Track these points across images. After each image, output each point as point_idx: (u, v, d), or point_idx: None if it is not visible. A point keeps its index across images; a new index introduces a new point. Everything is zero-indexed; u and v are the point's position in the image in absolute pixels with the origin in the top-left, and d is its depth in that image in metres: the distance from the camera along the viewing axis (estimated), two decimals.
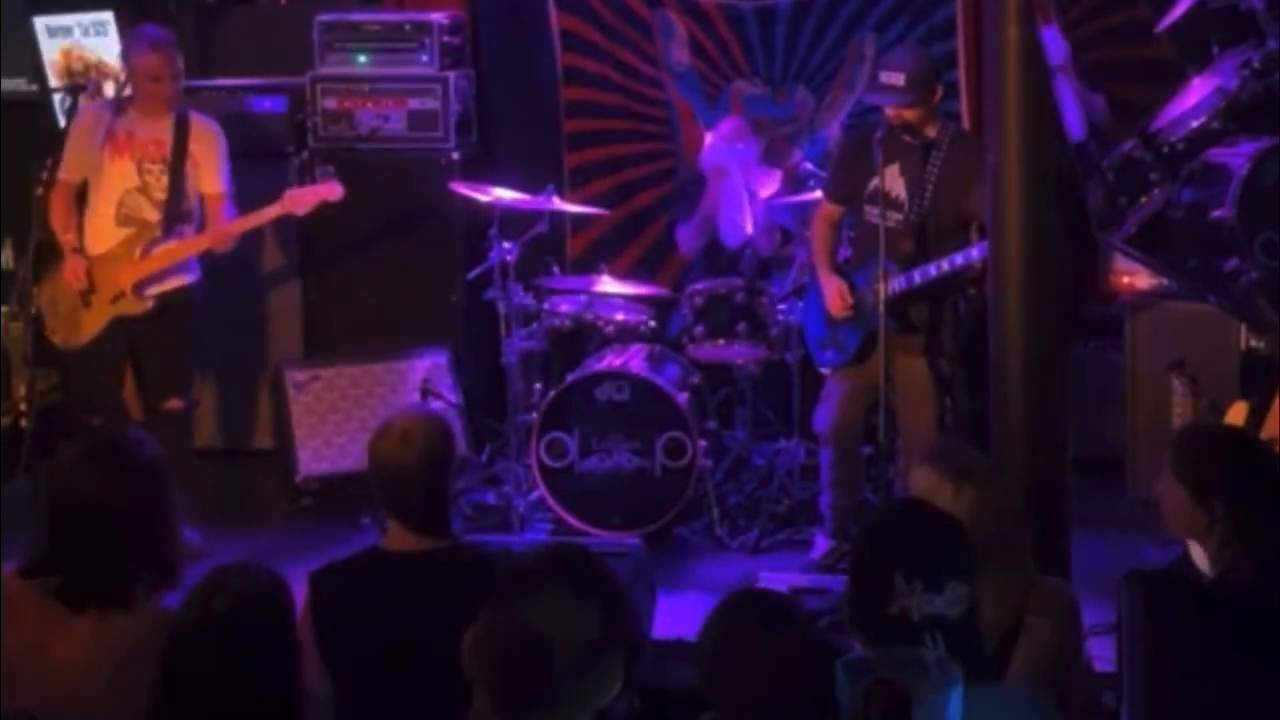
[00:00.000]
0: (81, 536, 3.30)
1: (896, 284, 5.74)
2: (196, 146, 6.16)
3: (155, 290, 6.14)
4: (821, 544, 6.12)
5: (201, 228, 6.22)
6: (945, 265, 5.73)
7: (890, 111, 5.83)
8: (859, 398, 5.95)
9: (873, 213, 5.85)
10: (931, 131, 5.85)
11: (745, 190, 7.15)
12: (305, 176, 6.35)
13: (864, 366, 5.91)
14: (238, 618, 2.87)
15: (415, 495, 3.58)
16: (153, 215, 6.13)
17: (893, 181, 5.85)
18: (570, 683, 2.31)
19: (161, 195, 6.12)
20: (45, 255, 6.27)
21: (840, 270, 6.05)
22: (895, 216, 5.84)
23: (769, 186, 7.14)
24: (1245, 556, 3.64)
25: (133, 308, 6.14)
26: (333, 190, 6.25)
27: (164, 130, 6.13)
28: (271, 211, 6.23)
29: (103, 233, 6.15)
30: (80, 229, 6.15)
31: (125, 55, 6.28)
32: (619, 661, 2.37)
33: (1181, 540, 4.04)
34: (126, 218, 6.13)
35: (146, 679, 2.91)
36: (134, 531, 3.32)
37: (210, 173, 6.19)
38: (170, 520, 3.44)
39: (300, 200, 6.23)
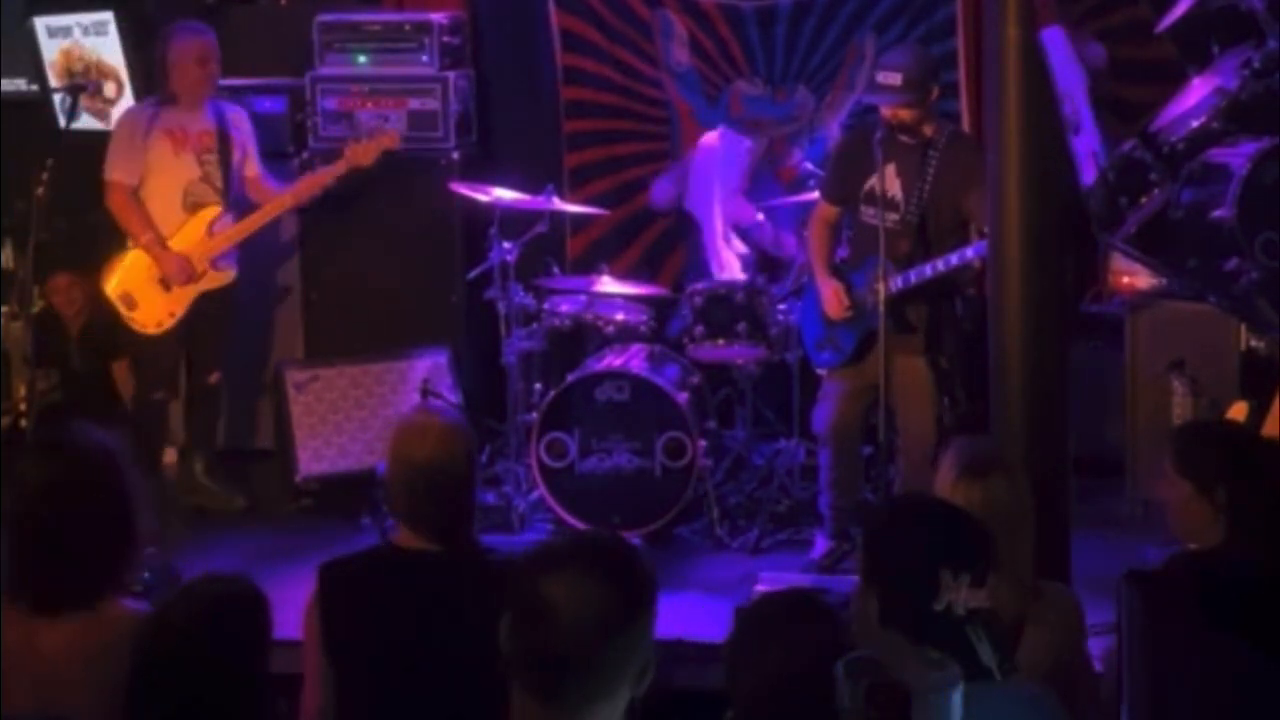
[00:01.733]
0: (31, 540, 3.15)
1: (893, 284, 5.74)
2: (237, 133, 6.59)
3: (228, 265, 6.59)
4: (821, 544, 6.12)
5: (243, 210, 6.63)
6: (941, 265, 5.73)
7: (886, 111, 5.82)
8: (857, 398, 5.95)
9: (869, 213, 5.85)
10: (928, 131, 5.85)
11: (721, 227, 7.12)
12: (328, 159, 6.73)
13: (861, 367, 5.91)
14: (209, 629, 2.86)
15: (453, 494, 3.49)
16: (214, 199, 6.52)
17: (889, 182, 5.84)
18: (583, 656, 2.28)
19: (220, 183, 6.50)
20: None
21: (837, 271, 6.05)
22: (892, 217, 5.84)
23: (744, 216, 7.12)
24: (1247, 546, 3.65)
25: (216, 281, 6.57)
26: (392, 138, 6.67)
27: (209, 121, 6.52)
28: (338, 169, 6.64)
29: (170, 221, 6.49)
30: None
31: (164, 52, 6.49)
32: (638, 643, 2.32)
33: (1184, 542, 4.04)
34: (194, 205, 6.52)
35: (107, 683, 2.89)
36: (79, 532, 3.15)
37: (250, 156, 6.66)
38: (118, 519, 3.22)
39: (364, 153, 6.61)
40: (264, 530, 6.53)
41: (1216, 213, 5.04)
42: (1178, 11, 5.48)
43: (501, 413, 6.88)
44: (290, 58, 7.18)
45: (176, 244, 6.47)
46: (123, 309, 6.49)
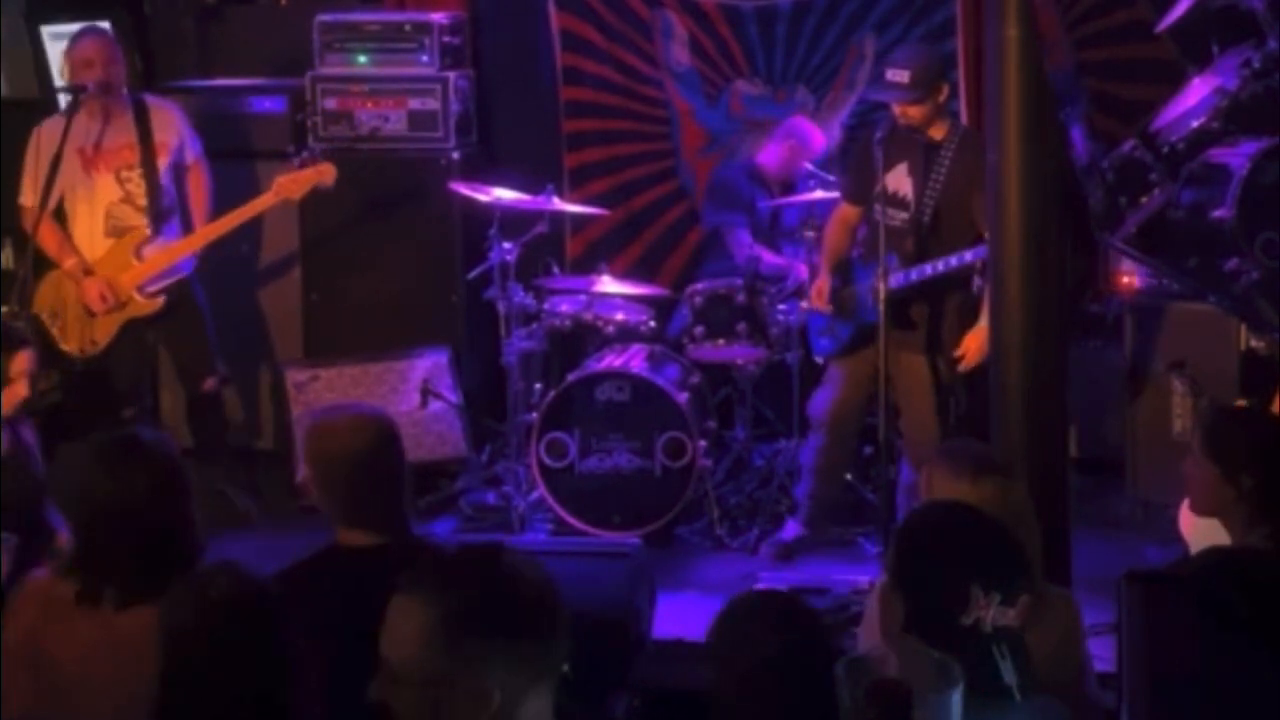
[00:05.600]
0: (105, 534, 3.30)
1: (893, 281, 5.74)
2: (161, 135, 6.31)
3: (157, 288, 6.30)
4: (792, 528, 6.16)
5: (185, 219, 6.41)
6: (941, 266, 5.74)
7: (896, 109, 5.83)
8: (858, 386, 5.98)
9: (880, 211, 5.86)
10: (939, 131, 5.84)
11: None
12: (297, 164, 6.46)
13: (856, 357, 5.97)
14: (223, 617, 2.86)
15: (377, 483, 3.55)
16: (139, 221, 6.31)
17: (900, 180, 5.85)
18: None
19: (143, 201, 6.29)
20: (38, 262, 6.30)
21: (845, 266, 6.08)
22: (901, 215, 5.85)
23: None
24: (1267, 536, 3.67)
25: (142, 309, 6.31)
26: (325, 173, 6.37)
27: (128, 131, 6.27)
28: (266, 200, 6.38)
29: (93, 245, 6.30)
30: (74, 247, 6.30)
31: (67, 64, 6.27)
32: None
33: (1200, 516, 4.05)
34: (114, 228, 6.31)
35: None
36: (154, 524, 3.31)
37: (185, 148, 6.39)
38: (187, 511, 3.42)
39: (293, 185, 6.35)
40: (265, 530, 6.51)
41: (1216, 213, 5.05)
42: (1178, 11, 5.49)
43: (501, 413, 6.88)
44: (290, 58, 7.18)
45: (100, 270, 6.25)
46: (50, 329, 6.30)
